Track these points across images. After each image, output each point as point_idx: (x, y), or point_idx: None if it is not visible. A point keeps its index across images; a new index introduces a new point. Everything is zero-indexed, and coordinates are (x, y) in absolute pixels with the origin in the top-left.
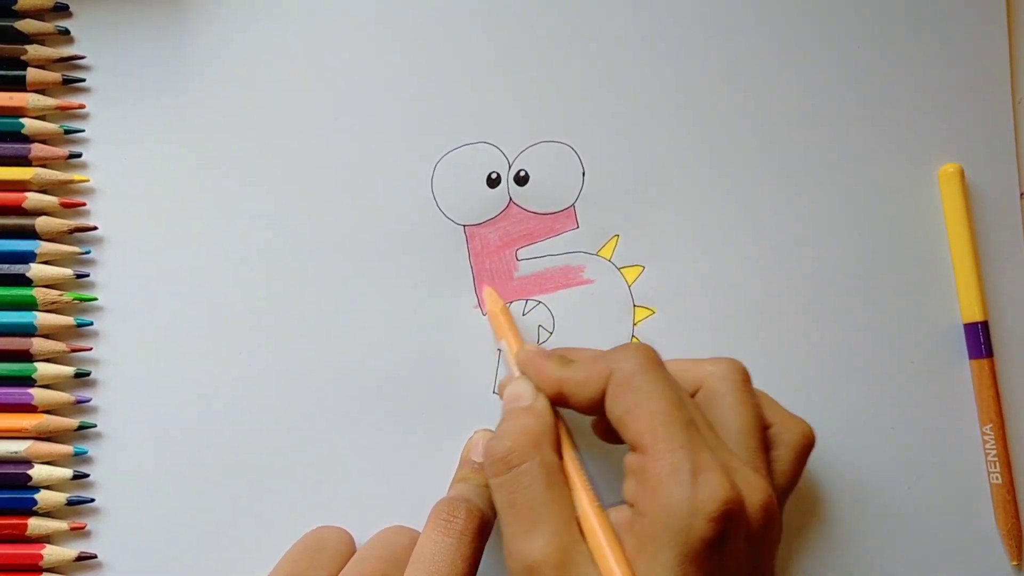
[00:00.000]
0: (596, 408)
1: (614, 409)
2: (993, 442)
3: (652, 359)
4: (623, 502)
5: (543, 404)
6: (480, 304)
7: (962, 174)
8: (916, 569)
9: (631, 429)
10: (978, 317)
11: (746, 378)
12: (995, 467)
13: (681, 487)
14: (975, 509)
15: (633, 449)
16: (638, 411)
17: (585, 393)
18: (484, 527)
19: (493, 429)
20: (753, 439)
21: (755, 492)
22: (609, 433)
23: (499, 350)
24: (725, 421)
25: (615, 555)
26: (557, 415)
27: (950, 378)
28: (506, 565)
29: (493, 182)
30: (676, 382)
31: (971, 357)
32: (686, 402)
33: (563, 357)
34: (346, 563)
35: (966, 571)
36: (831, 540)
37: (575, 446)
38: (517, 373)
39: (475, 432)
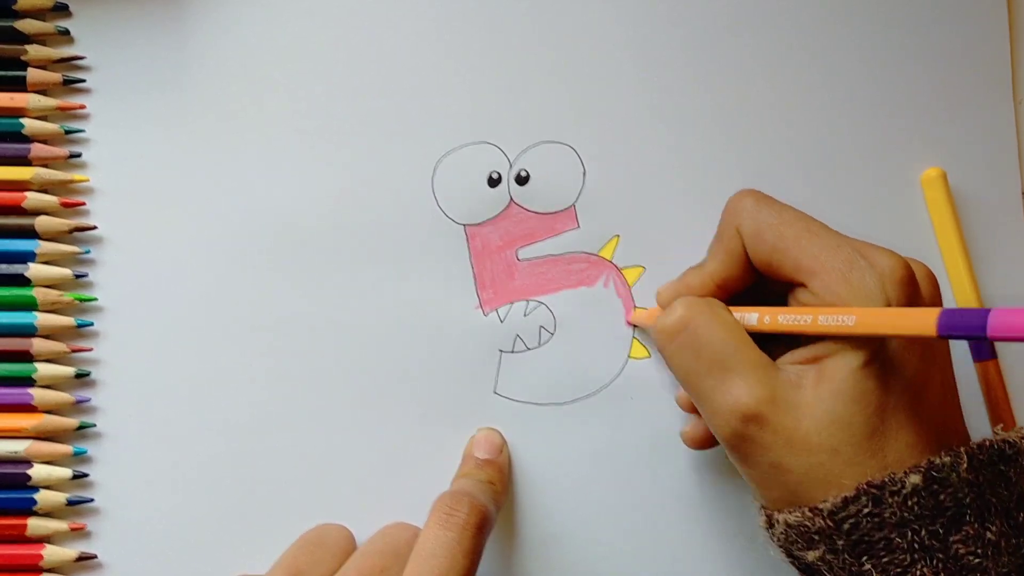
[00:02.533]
0: (753, 275)
1: (763, 257)
2: None
3: (756, 195)
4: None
5: (704, 281)
6: (482, 304)
7: (944, 177)
8: None
9: (788, 261)
10: None
11: (762, 196)
12: None
13: (865, 270)
14: None
15: (799, 282)
16: (784, 242)
17: (734, 268)
18: (486, 522)
19: (495, 428)
20: (817, 226)
21: (913, 263)
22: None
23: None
24: (787, 234)
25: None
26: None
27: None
28: (718, 436)
29: (494, 182)
30: (780, 201)
31: (976, 360)
32: (804, 214)
33: (696, 267)
34: (347, 559)
35: None
36: None
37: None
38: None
39: (478, 430)
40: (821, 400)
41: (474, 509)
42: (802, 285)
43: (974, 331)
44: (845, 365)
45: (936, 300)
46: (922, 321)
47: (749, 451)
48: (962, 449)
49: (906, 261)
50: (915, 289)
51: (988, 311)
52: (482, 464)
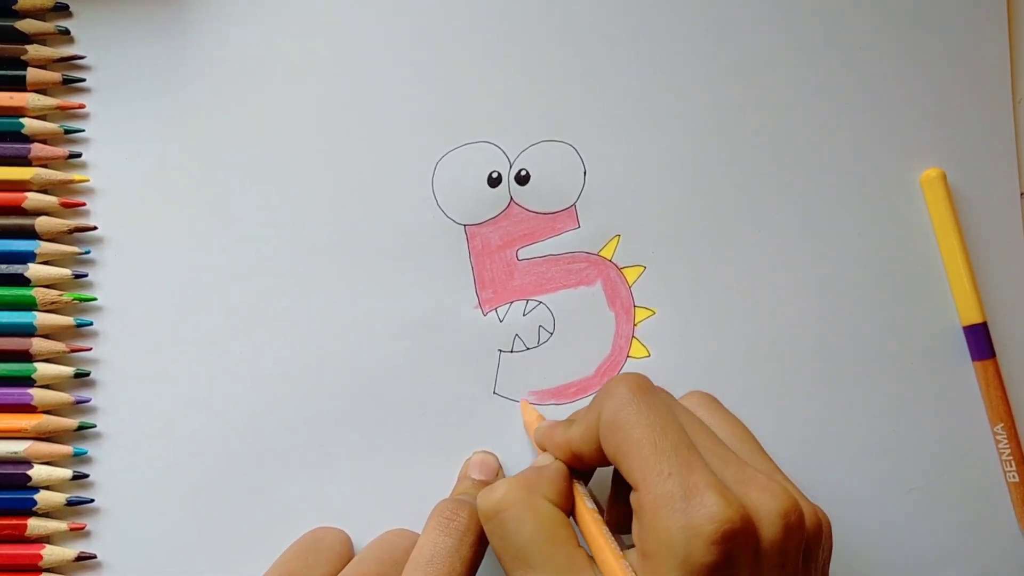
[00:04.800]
0: (606, 459)
1: (609, 453)
2: (1006, 441)
3: (635, 387)
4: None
5: (554, 465)
6: (481, 304)
7: (944, 177)
8: (936, 570)
9: (623, 468)
10: (977, 319)
11: (638, 388)
12: (1011, 465)
13: (674, 515)
14: (993, 508)
15: (633, 488)
16: (626, 447)
17: (589, 447)
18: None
19: (490, 450)
20: (753, 443)
21: (770, 500)
22: None
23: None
24: (633, 440)
25: None
26: (578, 479)
27: (952, 381)
28: None
29: (494, 181)
30: (665, 404)
31: (974, 359)
32: (672, 426)
33: (571, 420)
34: (342, 563)
35: (987, 570)
36: (851, 547)
37: (598, 505)
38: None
39: (473, 453)
40: None
41: (475, 516)
42: (633, 489)
43: None
44: None
45: (787, 553)
46: None
47: None
48: None
49: (740, 514)
50: (737, 549)
51: None
52: (478, 484)
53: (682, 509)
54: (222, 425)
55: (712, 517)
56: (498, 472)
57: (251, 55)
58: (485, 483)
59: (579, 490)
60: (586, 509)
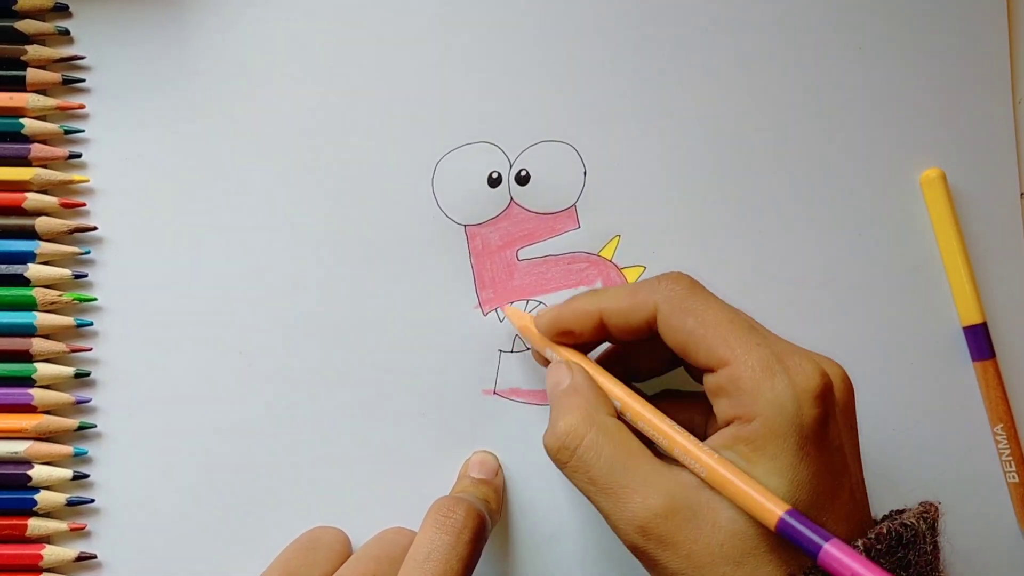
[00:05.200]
0: (639, 335)
1: (674, 334)
2: (1006, 442)
3: (695, 283)
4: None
5: (581, 377)
6: (481, 304)
7: (944, 178)
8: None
9: (702, 347)
10: (976, 319)
11: (697, 283)
12: (1011, 466)
13: (780, 377)
14: (993, 508)
15: (708, 368)
16: (704, 329)
17: (630, 321)
18: (483, 528)
19: (490, 450)
20: (743, 322)
21: (831, 367)
22: (629, 362)
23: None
24: (708, 320)
25: (739, 476)
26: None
27: (952, 381)
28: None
29: (494, 182)
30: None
31: (974, 359)
32: (734, 307)
33: (594, 292)
34: (340, 562)
35: (987, 570)
36: None
37: (641, 394)
38: (551, 355)
39: (473, 453)
40: (721, 507)
41: (471, 513)
42: (709, 371)
43: (808, 551)
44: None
45: (849, 407)
46: (765, 513)
47: (651, 564)
48: (859, 542)
49: (824, 371)
50: (830, 403)
51: (825, 541)
52: (477, 483)
53: (782, 371)
54: (221, 425)
55: (811, 376)
56: (497, 472)
57: (250, 55)
58: (485, 482)
59: (620, 388)
60: (643, 406)
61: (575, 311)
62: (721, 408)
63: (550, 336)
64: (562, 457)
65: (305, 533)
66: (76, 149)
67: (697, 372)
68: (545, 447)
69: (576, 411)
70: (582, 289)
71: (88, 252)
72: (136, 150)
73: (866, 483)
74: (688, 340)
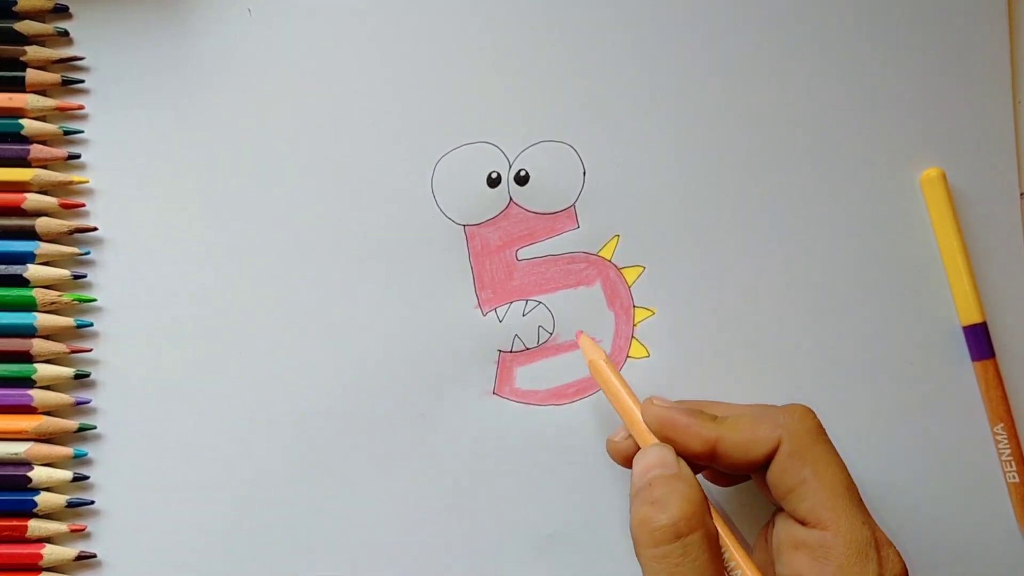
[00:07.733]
0: (754, 470)
1: (785, 479)
2: (1006, 442)
3: (820, 426)
4: None
5: (689, 471)
6: (481, 304)
7: (944, 177)
8: (936, 570)
9: (808, 501)
10: (976, 319)
11: (821, 426)
12: (1011, 466)
13: (871, 563)
14: (993, 508)
15: (804, 523)
16: (816, 483)
17: (748, 455)
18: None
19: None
20: (855, 493)
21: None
22: (725, 479)
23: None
24: (826, 477)
25: None
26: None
27: (952, 381)
28: None
29: (493, 182)
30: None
31: (974, 359)
32: (849, 476)
33: (706, 413)
34: None
35: (987, 570)
36: None
37: (723, 515)
38: (644, 433)
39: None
40: None
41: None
42: (801, 522)
43: None
44: None
45: None
46: None
47: None
48: None
49: (906, 570)
50: None
51: None
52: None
53: (875, 559)
54: (221, 426)
55: (898, 570)
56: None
57: (250, 56)
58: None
59: (710, 502)
60: (725, 529)
61: (688, 432)
62: (798, 560)
63: (651, 428)
64: (661, 537)
65: None
66: (75, 150)
67: (774, 499)
68: (645, 519)
69: (691, 504)
70: (582, 289)
71: (88, 253)
72: (135, 150)
73: (865, 483)
74: (796, 488)
